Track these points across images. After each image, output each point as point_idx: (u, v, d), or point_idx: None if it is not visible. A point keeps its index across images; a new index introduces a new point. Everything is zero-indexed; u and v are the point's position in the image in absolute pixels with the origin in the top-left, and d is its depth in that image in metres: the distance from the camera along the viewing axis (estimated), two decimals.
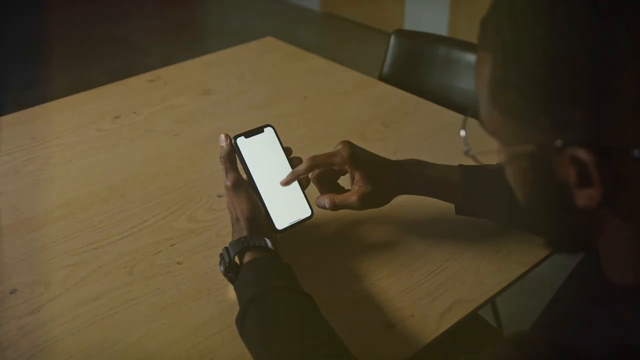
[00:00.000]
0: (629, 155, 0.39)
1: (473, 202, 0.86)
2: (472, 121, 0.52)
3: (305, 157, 0.89)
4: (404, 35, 1.55)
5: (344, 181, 0.89)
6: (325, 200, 0.84)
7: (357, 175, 0.83)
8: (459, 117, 1.24)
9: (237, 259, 0.77)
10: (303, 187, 0.86)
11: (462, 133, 0.55)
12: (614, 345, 0.42)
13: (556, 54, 0.40)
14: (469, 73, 1.30)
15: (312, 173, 0.86)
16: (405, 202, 0.91)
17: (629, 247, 0.45)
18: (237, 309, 0.73)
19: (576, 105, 0.40)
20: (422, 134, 1.18)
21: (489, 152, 0.51)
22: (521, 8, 0.42)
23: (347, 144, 0.84)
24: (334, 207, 0.84)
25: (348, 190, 0.86)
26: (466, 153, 0.54)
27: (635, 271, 0.45)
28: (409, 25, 3.68)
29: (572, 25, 0.39)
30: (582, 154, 0.40)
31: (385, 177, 0.84)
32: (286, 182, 0.85)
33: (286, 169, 0.86)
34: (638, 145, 0.39)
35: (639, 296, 0.45)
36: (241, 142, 0.84)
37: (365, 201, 0.83)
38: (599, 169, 0.40)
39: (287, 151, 0.87)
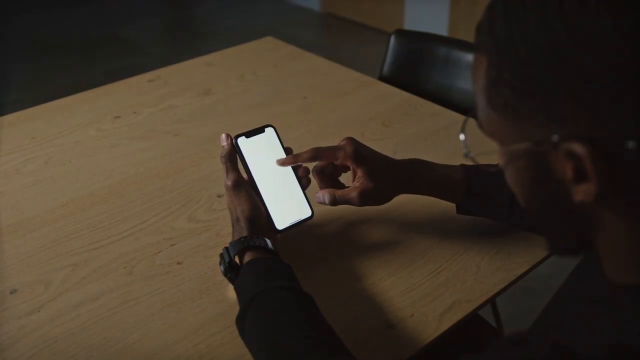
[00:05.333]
0: (623, 147, 0.39)
1: (474, 202, 0.86)
2: (471, 124, 0.52)
3: None
4: (404, 35, 1.55)
5: (344, 179, 0.89)
6: (325, 195, 0.84)
7: (359, 172, 0.83)
8: (459, 117, 1.24)
9: (237, 259, 0.77)
10: (303, 188, 0.87)
11: (462, 137, 0.55)
12: (614, 345, 0.42)
13: (547, 49, 0.41)
14: (469, 73, 1.30)
15: (313, 169, 0.86)
16: (405, 202, 0.91)
17: (627, 244, 0.45)
18: (237, 309, 0.73)
19: (569, 99, 0.40)
20: (422, 134, 1.18)
21: (488, 153, 0.51)
22: (513, 8, 0.43)
23: (351, 140, 0.84)
24: (334, 201, 0.83)
25: (348, 187, 0.86)
26: (465, 155, 0.54)
27: (635, 271, 0.45)
28: (409, 25, 3.68)
29: (562, 21, 0.40)
30: (578, 147, 0.41)
31: (387, 175, 0.84)
32: (283, 163, 0.84)
33: (287, 169, 0.86)
34: (632, 137, 0.39)
35: (639, 296, 0.45)
36: (242, 142, 0.84)
37: (366, 198, 0.83)
38: (594, 162, 0.40)
39: (288, 151, 0.87)
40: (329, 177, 0.87)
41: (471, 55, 1.41)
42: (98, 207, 0.99)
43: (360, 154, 0.83)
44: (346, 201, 0.83)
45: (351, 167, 0.85)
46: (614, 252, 0.47)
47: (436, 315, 0.78)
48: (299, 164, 0.85)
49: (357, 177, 0.84)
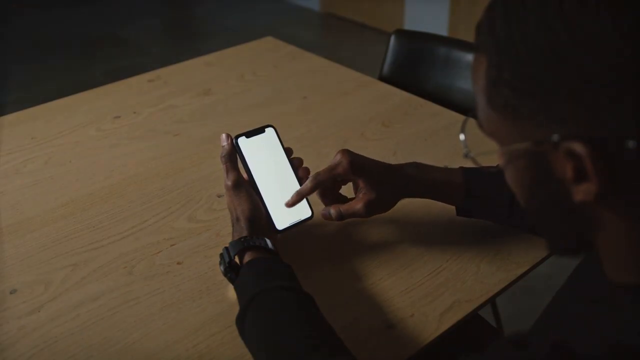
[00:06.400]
0: (623, 147, 0.39)
1: (474, 204, 0.86)
2: (471, 124, 0.53)
3: (305, 157, 0.89)
4: (404, 35, 1.55)
5: (345, 191, 0.89)
6: (331, 211, 0.84)
7: (360, 183, 0.83)
8: (459, 117, 1.24)
9: (237, 259, 0.77)
10: None
11: (462, 137, 0.55)
12: (614, 345, 0.42)
13: (547, 49, 0.41)
14: (469, 73, 1.30)
15: (318, 192, 0.86)
16: (405, 203, 0.90)
17: (627, 244, 0.45)
18: (237, 309, 0.73)
19: (569, 99, 0.40)
20: (422, 134, 1.18)
21: (488, 153, 0.51)
22: (513, 8, 0.43)
23: (346, 152, 0.83)
24: (340, 217, 0.83)
25: (351, 198, 0.86)
26: (465, 155, 0.54)
27: (635, 271, 0.45)
28: (409, 25, 3.68)
29: (562, 21, 0.40)
30: (578, 147, 0.41)
31: (388, 181, 0.84)
32: (292, 204, 0.84)
33: (287, 170, 0.86)
34: (632, 137, 0.39)
35: (639, 296, 0.45)
36: (242, 142, 0.84)
37: (371, 207, 0.83)
38: (594, 161, 0.40)
39: (288, 151, 0.87)
40: (330, 192, 0.87)
41: (471, 55, 1.41)
42: (98, 207, 0.99)
43: (358, 165, 0.82)
44: (352, 214, 0.83)
45: (352, 179, 0.85)
46: (614, 252, 0.47)
47: (436, 315, 0.78)
48: (307, 196, 0.84)
49: (359, 188, 0.84)
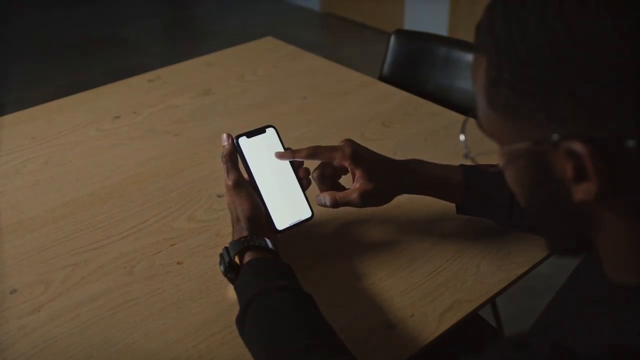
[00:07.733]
0: (623, 147, 0.39)
1: (474, 202, 0.86)
2: (471, 124, 0.53)
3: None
4: (404, 35, 1.55)
5: (345, 182, 0.89)
6: (326, 197, 0.84)
7: (358, 173, 0.83)
8: (459, 117, 1.24)
9: (237, 259, 0.77)
10: (304, 188, 0.87)
11: (462, 137, 0.55)
12: (614, 345, 0.42)
13: (547, 49, 0.41)
14: (469, 73, 1.30)
15: (314, 173, 0.86)
16: (405, 202, 0.91)
17: (627, 244, 0.45)
18: (237, 309, 0.73)
19: (569, 99, 0.41)
20: (422, 134, 1.19)
21: (488, 153, 0.51)
22: (513, 8, 0.43)
23: (350, 141, 0.84)
24: (335, 204, 0.83)
25: (349, 188, 0.86)
26: (465, 156, 0.54)
27: (635, 271, 0.45)
28: (409, 25, 3.68)
29: (562, 21, 0.40)
30: (578, 146, 0.41)
31: (386, 175, 0.84)
32: (281, 156, 0.85)
33: (287, 170, 0.86)
34: (632, 136, 0.39)
35: (639, 296, 0.45)
36: (243, 142, 0.84)
37: (366, 199, 0.83)
38: (594, 161, 0.41)
39: None
40: (329, 180, 0.87)
41: (471, 55, 1.41)
42: (98, 207, 0.99)
43: (359, 155, 0.83)
44: (347, 202, 0.83)
45: (349, 169, 0.85)
46: (614, 252, 0.47)
47: (436, 315, 0.78)
48: (297, 159, 0.85)
49: (356, 178, 0.84)
